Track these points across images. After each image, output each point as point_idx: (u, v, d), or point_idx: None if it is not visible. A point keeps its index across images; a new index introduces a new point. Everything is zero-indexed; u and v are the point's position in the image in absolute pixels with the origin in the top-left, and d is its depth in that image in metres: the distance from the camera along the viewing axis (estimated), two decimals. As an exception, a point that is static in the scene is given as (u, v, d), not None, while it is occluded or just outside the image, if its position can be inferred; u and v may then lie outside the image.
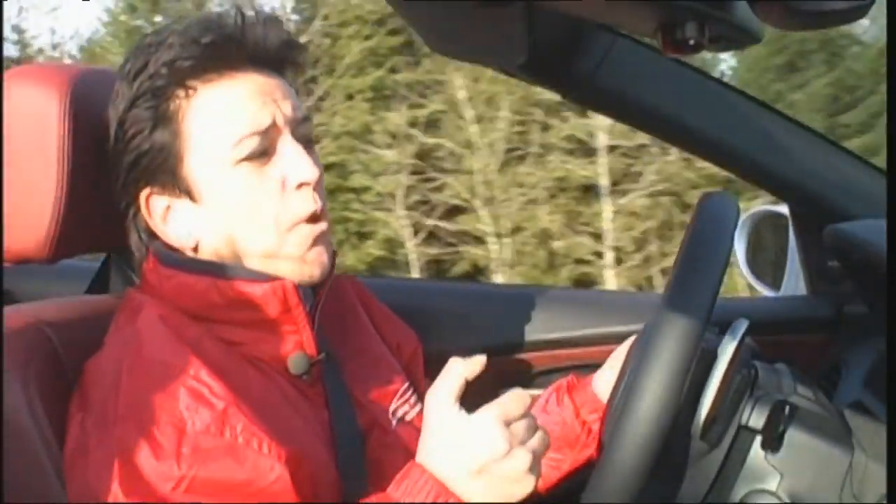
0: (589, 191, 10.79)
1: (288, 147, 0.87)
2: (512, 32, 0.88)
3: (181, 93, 0.85)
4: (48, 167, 0.88)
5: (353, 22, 11.76)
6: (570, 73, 1.09)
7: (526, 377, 1.30)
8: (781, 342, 1.24)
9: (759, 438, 0.87)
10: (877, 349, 1.06)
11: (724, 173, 1.25)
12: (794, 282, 1.35)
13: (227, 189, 0.86)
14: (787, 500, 0.86)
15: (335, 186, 10.72)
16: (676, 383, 0.75)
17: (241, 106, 0.85)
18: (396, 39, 11.33)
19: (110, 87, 0.92)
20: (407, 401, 0.99)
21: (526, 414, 0.78)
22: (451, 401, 0.78)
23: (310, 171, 0.87)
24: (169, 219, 0.88)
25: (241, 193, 0.86)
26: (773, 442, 0.86)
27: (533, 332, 1.29)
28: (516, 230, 10.76)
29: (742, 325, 0.87)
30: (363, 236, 11.63)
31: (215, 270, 0.86)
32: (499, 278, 10.26)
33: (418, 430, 0.83)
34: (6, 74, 0.90)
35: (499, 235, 10.69)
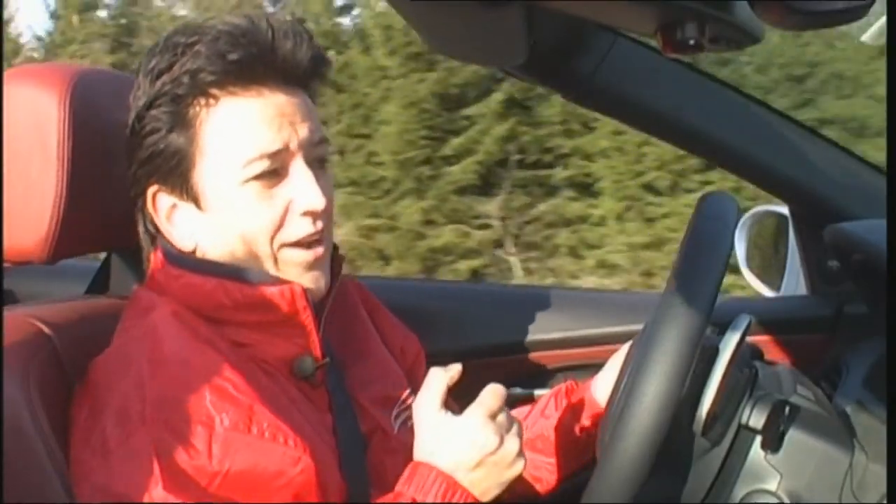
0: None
1: (300, 172, 0.87)
2: (512, 32, 0.88)
3: (202, 100, 0.85)
4: (48, 167, 0.88)
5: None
6: (570, 73, 1.09)
7: (526, 377, 1.30)
8: (781, 342, 1.24)
9: (759, 438, 0.87)
10: (877, 349, 1.06)
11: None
12: (794, 282, 1.35)
13: (232, 204, 0.86)
14: (787, 500, 0.86)
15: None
16: (676, 382, 0.75)
17: (256, 127, 0.85)
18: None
19: (110, 87, 0.93)
20: (409, 406, 0.99)
21: (504, 405, 0.85)
22: (436, 408, 0.84)
23: (317, 200, 0.87)
24: (173, 217, 0.89)
25: (246, 211, 0.86)
26: (773, 442, 0.86)
27: (533, 332, 1.30)
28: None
29: (744, 321, 0.87)
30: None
31: (224, 272, 0.86)
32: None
33: None
34: (6, 74, 0.90)
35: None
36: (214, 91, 0.85)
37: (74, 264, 1.12)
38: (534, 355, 1.29)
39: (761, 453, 0.87)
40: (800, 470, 0.86)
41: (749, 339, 0.92)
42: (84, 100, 0.90)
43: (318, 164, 0.89)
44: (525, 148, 6.06)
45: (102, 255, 1.10)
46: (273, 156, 0.85)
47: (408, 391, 1.01)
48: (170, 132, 0.86)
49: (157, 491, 0.74)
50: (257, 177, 0.85)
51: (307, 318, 0.88)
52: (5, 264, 0.94)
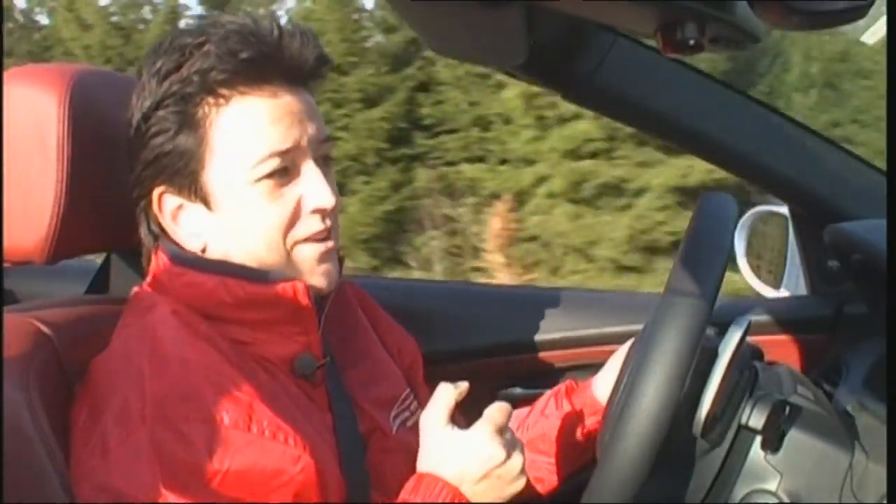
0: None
1: (310, 171, 0.87)
2: (512, 32, 0.88)
3: (211, 100, 0.85)
4: (48, 167, 0.88)
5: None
6: (570, 73, 1.09)
7: (525, 377, 1.30)
8: (781, 342, 1.24)
9: (759, 438, 0.87)
10: (877, 349, 1.06)
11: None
12: (794, 282, 1.35)
13: (243, 203, 0.86)
14: (787, 500, 0.86)
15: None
16: (676, 383, 0.75)
17: (266, 126, 0.85)
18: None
19: (110, 87, 0.93)
20: (407, 407, 0.99)
21: (509, 422, 0.86)
22: (444, 422, 0.85)
23: (328, 199, 0.87)
24: (179, 218, 0.89)
25: (257, 210, 0.86)
26: (773, 442, 0.86)
27: (533, 332, 1.30)
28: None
29: (744, 322, 0.87)
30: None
31: (226, 270, 0.87)
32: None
33: (418, 436, 0.85)
34: (6, 74, 0.90)
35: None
36: (224, 91, 0.85)
37: (74, 264, 1.12)
38: (533, 355, 1.29)
39: (761, 453, 0.87)
40: (800, 470, 0.86)
41: (749, 339, 0.92)
42: (84, 100, 0.90)
43: (324, 162, 0.90)
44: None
45: (102, 255, 1.10)
46: (284, 154, 0.86)
47: (406, 392, 1.01)
48: (178, 133, 0.85)
49: (156, 489, 0.74)
50: (268, 175, 0.85)
51: (309, 315, 0.88)
52: (5, 264, 0.93)
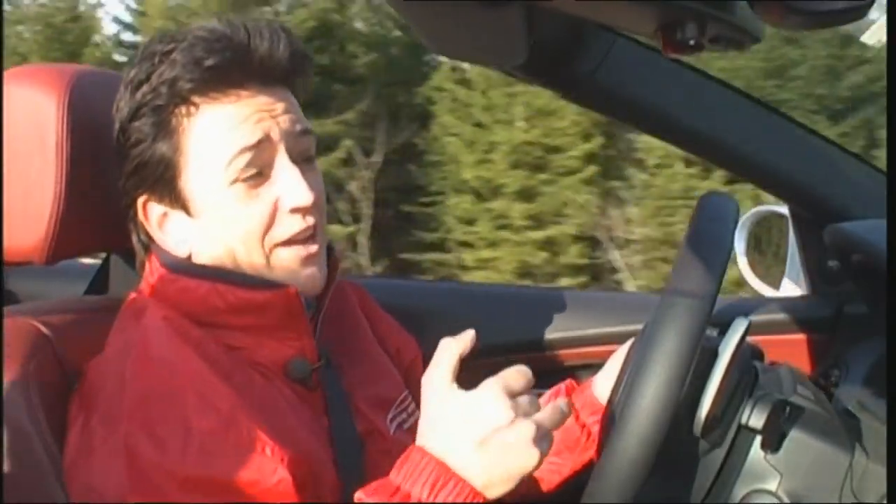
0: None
1: (284, 169, 0.86)
2: (512, 32, 0.88)
3: (182, 109, 0.85)
4: (47, 168, 0.88)
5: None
6: (570, 73, 1.08)
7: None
8: (781, 342, 1.24)
9: (759, 438, 0.87)
10: (877, 349, 1.06)
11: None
12: (794, 282, 1.35)
13: (220, 207, 0.86)
14: (787, 500, 0.86)
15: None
16: (676, 383, 0.75)
17: (234, 125, 0.85)
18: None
19: (110, 88, 0.93)
20: (405, 409, 0.99)
21: (528, 389, 0.76)
22: (448, 380, 0.76)
23: (304, 196, 0.86)
24: (165, 226, 0.89)
25: (234, 213, 0.86)
26: (773, 442, 0.86)
27: (533, 332, 1.30)
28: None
29: (742, 323, 0.87)
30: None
31: (218, 276, 0.87)
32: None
33: (416, 437, 0.84)
34: (6, 74, 0.90)
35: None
36: (194, 98, 0.84)
37: (74, 264, 1.12)
38: (533, 355, 1.29)
39: (761, 453, 0.87)
40: (800, 470, 0.86)
41: (749, 339, 0.92)
42: (83, 100, 0.90)
43: (302, 159, 0.89)
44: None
45: (102, 256, 1.10)
46: (253, 148, 0.85)
47: (404, 394, 1.01)
48: (154, 142, 0.86)
49: (124, 490, 0.73)
50: (242, 178, 0.85)
51: (301, 321, 0.88)
52: (5, 265, 0.93)
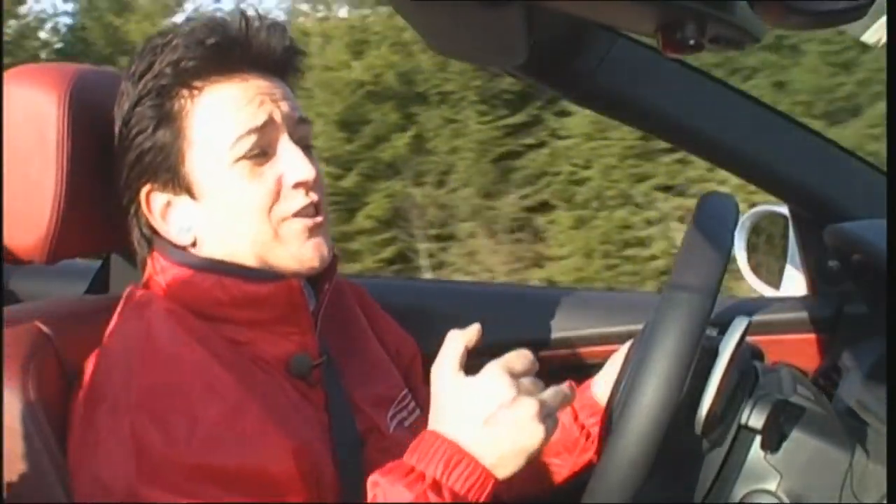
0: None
1: (286, 148, 0.88)
2: (512, 32, 0.88)
3: (185, 92, 0.87)
4: (48, 167, 0.88)
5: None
6: (570, 73, 1.08)
7: (526, 377, 1.30)
8: (781, 342, 1.24)
9: (759, 438, 0.87)
10: (877, 349, 1.06)
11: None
12: (794, 282, 1.35)
13: (225, 186, 0.87)
14: (787, 500, 0.86)
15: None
16: (676, 383, 0.75)
17: (240, 106, 0.87)
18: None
19: (110, 87, 0.93)
20: (405, 407, 0.99)
21: (530, 372, 0.79)
22: (454, 370, 0.79)
23: (307, 171, 0.88)
24: (168, 215, 0.89)
25: (239, 191, 0.87)
26: (773, 442, 0.86)
27: (533, 332, 1.29)
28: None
29: (742, 323, 0.87)
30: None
31: (222, 269, 0.87)
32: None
33: (416, 435, 0.84)
34: (6, 74, 0.90)
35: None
36: (196, 82, 0.86)
37: (74, 264, 1.12)
38: (534, 355, 1.29)
39: (761, 453, 0.87)
40: (800, 470, 0.86)
41: (749, 339, 0.92)
42: (84, 100, 0.90)
43: (303, 143, 0.90)
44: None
45: (102, 256, 1.10)
46: (259, 130, 0.87)
47: (404, 392, 1.01)
48: (157, 128, 0.87)
49: (131, 479, 0.74)
50: (246, 156, 0.86)
51: (303, 314, 0.88)
52: (5, 264, 0.94)
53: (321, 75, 5.22)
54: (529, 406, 0.75)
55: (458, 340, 0.81)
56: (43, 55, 6.93)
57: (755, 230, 1.45)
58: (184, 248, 0.90)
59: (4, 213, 0.88)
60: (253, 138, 0.86)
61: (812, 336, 1.26)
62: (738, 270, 1.43)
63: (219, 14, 0.89)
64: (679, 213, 4.75)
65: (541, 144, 5.07)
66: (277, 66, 0.91)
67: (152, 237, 0.91)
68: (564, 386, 0.80)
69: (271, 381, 0.86)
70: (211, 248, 0.89)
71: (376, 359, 1.02)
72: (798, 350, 1.24)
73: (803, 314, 1.28)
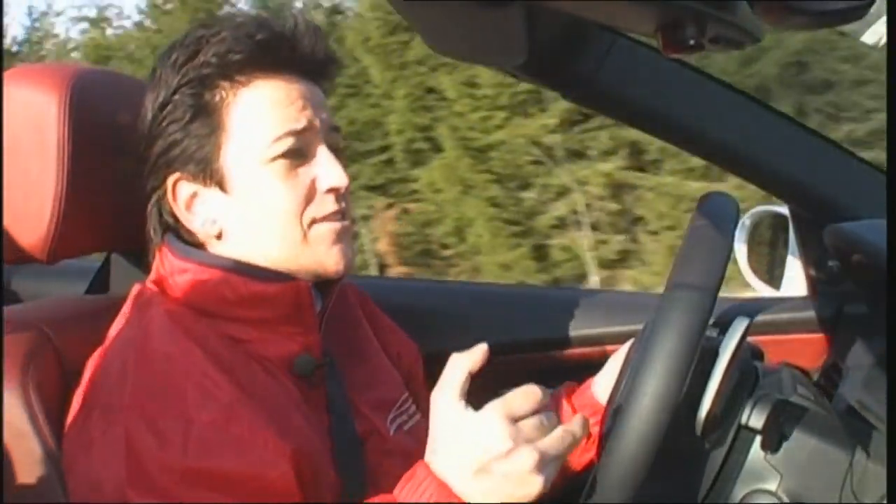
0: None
1: (324, 153, 0.89)
2: (512, 32, 0.88)
3: (227, 84, 0.87)
4: (48, 167, 0.88)
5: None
6: (570, 73, 1.08)
7: (526, 377, 1.29)
8: (781, 342, 1.24)
9: (759, 438, 0.87)
10: (877, 349, 1.06)
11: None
12: (794, 282, 1.35)
13: (260, 184, 0.87)
14: (787, 500, 0.86)
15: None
16: (677, 381, 0.75)
17: (282, 107, 0.87)
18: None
19: (110, 87, 0.93)
20: (406, 410, 0.99)
21: (539, 410, 0.74)
22: (455, 397, 0.74)
23: (341, 178, 0.89)
24: (193, 206, 0.89)
25: (273, 189, 0.87)
26: (773, 442, 0.86)
27: (533, 332, 1.29)
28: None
29: (743, 324, 0.87)
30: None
31: (230, 267, 0.87)
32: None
33: (416, 439, 0.84)
34: (6, 74, 0.90)
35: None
36: (240, 76, 0.86)
37: (74, 264, 1.12)
38: (533, 355, 1.29)
39: (761, 453, 0.87)
40: (800, 470, 0.86)
41: (749, 339, 0.92)
42: (84, 100, 0.90)
43: (335, 149, 0.91)
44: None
45: (102, 256, 1.10)
46: (299, 134, 0.87)
47: (404, 396, 1.01)
48: (193, 118, 0.87)
49: (121, 481, 0.74)
50: (284, 155, 0.87)
51: (309, 315, 0.88)
52: (6, 264, 0.94)
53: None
54: (527, 459, 0.70)
55: (462, 366, 0.75)
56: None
57: (755, 230, 1.45)
58: (201, 243, 0.90)
59: (5, 213, 0.88)
60: (292, 140, 0.87)
61: (812, 336, 1.26)
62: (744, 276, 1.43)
63: (267, 14, 0.90)
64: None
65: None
66: (317, 71, 0.92)
67: (173, 225, 0.91)
68: (577, 422, 0.74)
69: (273, 380, 0.85)
70: (236, 243, 0.89)
71: (378, 362, 1.02)
72: (798, 350, 1.24)
73: (803, 314, 1.28)
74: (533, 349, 1.29)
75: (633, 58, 1.10)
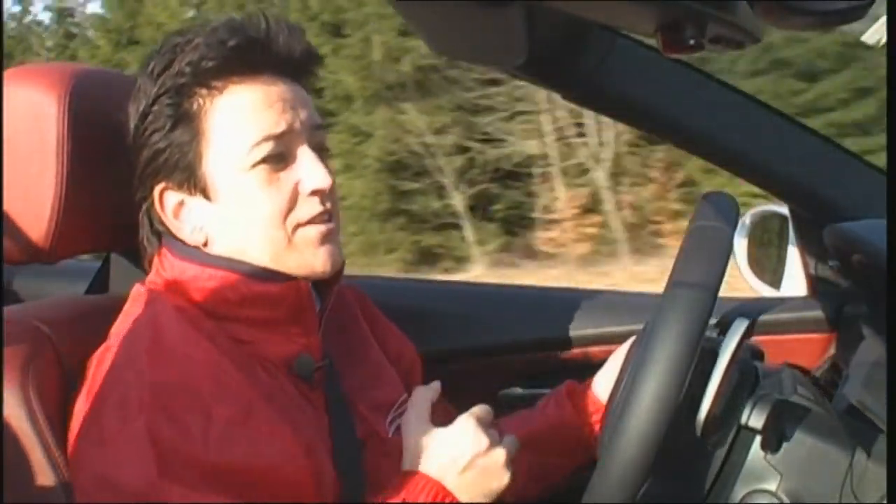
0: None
1: (306, 155, 0.88)
2: (512, 32, 0.88)
3: (204, 92, 0.86)
4: (47, 167, 0.88)
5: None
6: (570, 73, 1.08)
7: (526, 377, 1.30)
8: (781, 342, 1.24)
9: (759, 438, 0.87)
10: (877, 349, 1.06)
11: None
12: (794, 282, 1.35)
13: (242, 190, 0.87)
14: (787, 500, 0.85)
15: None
16: (677, 383, 0.75)
17: (260, 111, 0.86)
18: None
19: (110, 87, 0.93)
20: (404, 412, 0.99)
21: (492, 424, 0.89)
22: (424, 421, 0.87)
23: (324, 179, 0.88)
24: (181, 214, 0.89)
25: (256, 195, 0.86)
26: (773, 442, 0.86)
27: (533, 332, 1.29)
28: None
29: (743, 324, 0.87)
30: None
31: (231, 267, 0.87)
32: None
33: None
34: (6, 74, 0.90)
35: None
36: (216, 83, 0.86)
37: (74, 264, 1.12)
38: (533, 355, 1.29)
39: (761, 453, 0.87)
40: (800, 470, 0.86)
41: (749, 339, 0.92)
42: (84, 100, 0.90)
43: (319, 148, 0.90)
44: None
45: (102, 256, 1.10)
46: (278, 137, 0.86)
47: (403, 397, 1.01)
48: (174, 127, 0.86)
49: (149, 477, 0.74)
50: (264, 160, 0.86)
51: (310, 315, 0.89)
52: (5, 264, 0.94)
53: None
54: (500, 455, 0.85)
55: (425, 396, 0.90)
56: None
57: (755, 230, 1.45)
58: (195, 247, 0.90)
59: (5, 213, 0.88)
60: (271, 144, 0.86)
61: (812, 336, 1.26)
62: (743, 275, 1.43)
63: (239, 17, 0.89)
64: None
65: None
66: (296, 70, 0.91)
67: (165, 232, 0.91)
68: (510, 438, 0.89)
69: (273, 381, 0.86)
70: (222, 249, 0.89)
71: (377, 363, 1.02)
72: (798, 350, 1.24)
73: (803, 314, 1.28)
74: (533, 349, 1.29)
75: (633, 58, 1.10)
